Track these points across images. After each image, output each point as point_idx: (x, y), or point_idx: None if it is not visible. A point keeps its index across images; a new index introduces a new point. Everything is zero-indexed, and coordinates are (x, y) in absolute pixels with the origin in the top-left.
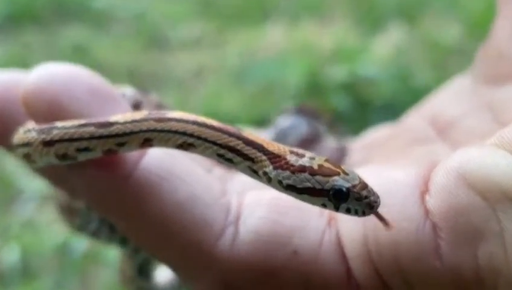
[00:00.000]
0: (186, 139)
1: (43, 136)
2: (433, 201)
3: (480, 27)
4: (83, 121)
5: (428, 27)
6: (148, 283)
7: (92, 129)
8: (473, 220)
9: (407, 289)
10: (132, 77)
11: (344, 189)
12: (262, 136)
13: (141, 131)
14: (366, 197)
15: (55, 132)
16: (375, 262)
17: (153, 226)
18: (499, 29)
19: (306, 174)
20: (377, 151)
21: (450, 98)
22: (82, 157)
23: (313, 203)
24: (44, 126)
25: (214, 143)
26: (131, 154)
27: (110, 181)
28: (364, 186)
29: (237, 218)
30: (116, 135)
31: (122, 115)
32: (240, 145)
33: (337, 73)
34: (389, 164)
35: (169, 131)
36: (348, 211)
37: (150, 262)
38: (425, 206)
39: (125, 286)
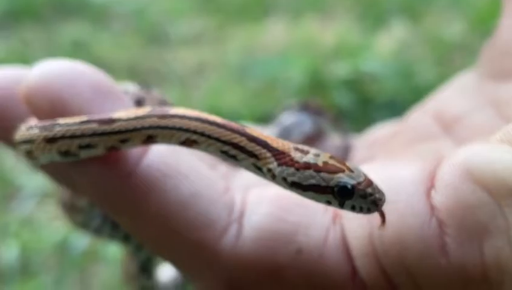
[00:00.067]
0: (190, 136)
1: (45, 133)
2: (438, 197)
3: (483, 23)
4: (85, 118)
5: (431, 23)
6: (150, 281)
7: (94, 126)
8: (479, 216)
9: (414, 288)
10: (132, 74)
11: (349, 186)
12: (266, 133)
13: (144, 128)
14: (371, 194)
15: (57, 128)
16: (381, 260)
17: (156, 223)
18: (505, 27)
19: (311, 171)
20: (381, 148)
21: (455, 95)
22: (84, 154)
23: (318, 201)
24: (47, 123)
25: (218, 140)
26: (134, 151)
27: (113, 178)
28: (370, 183)
29: (241, 215)
30: (119, 132)
31: (125, 112)
32: (244, 142)
33: (340, 69)
34: (394, 161)
35: (172, 128)
36: (352, 209)
37: (152, 260)
38: (431, 202)
39: (128, 284)
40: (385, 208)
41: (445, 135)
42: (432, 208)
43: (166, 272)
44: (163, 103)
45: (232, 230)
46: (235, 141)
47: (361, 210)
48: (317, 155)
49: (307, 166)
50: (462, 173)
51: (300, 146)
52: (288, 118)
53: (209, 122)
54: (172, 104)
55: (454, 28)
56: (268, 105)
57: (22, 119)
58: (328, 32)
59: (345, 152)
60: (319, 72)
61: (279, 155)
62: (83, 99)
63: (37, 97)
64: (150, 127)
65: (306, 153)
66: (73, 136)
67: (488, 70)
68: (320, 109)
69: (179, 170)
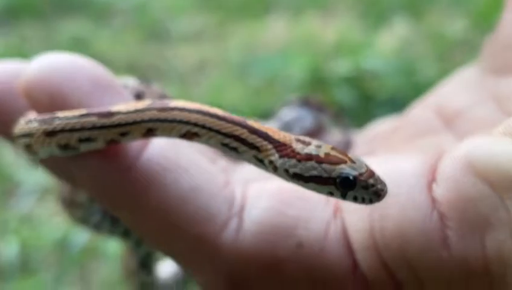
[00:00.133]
0: (190, 129)
1: (44, 126)
2: (440, 190)
3: (485, 20)
4: (84, 111)
5: (433, 20)
6: (150, 277)
7: (94, 119)
8: (481, 209)
9: (415, 282)
10: (132, 71)
11: (351, 177)
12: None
13: (144, 121)
14: (373, 185)
15: (56, 122)
16: (382, 254)
17: (156, 217)
18: (506, 21)
19: (313, 163)
20: (381, 143)
21: (456, 89)
22: (84, 147)
23: (320, 192)
24: (46, 116)
25: (219, 132)
26: (134, 145)
27: (113, 172)
28: (372, 174)
29: (241, 209)
30: (119, 125)
31: (124, 105)
32: (245, 134)
33: (341, 67)
34: (395, 155)
35: (172, 120)
36: (355, 199)
37: (152, 256)
38: (432, 195)
39: (127, 280)
40: (386, 201)
41: (447, 129)
42: (433, 201)
43: (166, 268)
44: (163, 97)
45: (233, 224)
46: (236, 133)
47: (363, 201)
48: (318, 146)
49: (309, 157)
50: (463, 166)
51: (302, 137)
52: (288, 114)
53: (210, 114)
54: (172, 99)
55: (456, 25)
56: (269, 102)
57: (21, 113)
58: (329, 29)
59: (345, 148)
60: (320, 69)
61: (281, 147)
62: (83, 92)
63: (36, 91)
64: (150, 120)
65: (308, 144)
66: (72, 130)
67: (490, 65)
68: (320, 104)
69: (179, 164)
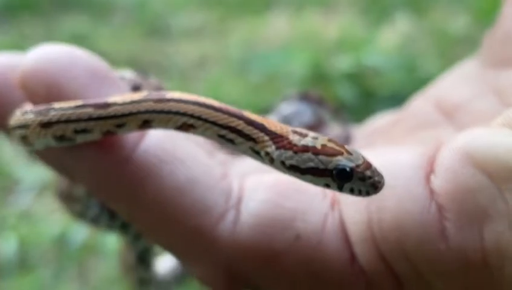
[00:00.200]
0: (186, 120)
1: (40, 117)
2: (438, 182)
3: (487, 16)
4: (80, 102)
5: (435, 17)
6: (148, 273)
7: (90, 110)
8: (479, 200)
9: (413, 274)
10: (133, 66)
11: (348, 169)
12: None
13: (140, 112)
14: (370, 177)
15: (52, 113)
16: (380, 246)
17: (152, 209)
18: (506, 15)
19: (309, 154)
20: (381, 136)
21: (456, 82)
22: (80, 139)
23: (316, 184)
24: (42, 108)
25: (215, 124)
26: (130, 137)
27: (109, 164)
28: (368, 166)
29: (238, 201)
30: (115, 116)
31: (120, 96)
32: (242, 126)
33: (343, 63)
34: (393, 147)
35: (168, 112)
36: (351, 191)
37: (150, 250)
38: (431, 187)
39: (126, 275)
40: (384, 193)
41: (447, 122)
42: (432, 192)
43: (165, 263)
44: (160, 89)
45: (230, 216)
46: (233, 124)
47: (360, 193)
48: (315, 138)
49: (305, 149)
50: (462, 157)
51: (299, 129)
52: (287, 108)
53: (206, 106)
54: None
55: (457, 21)
56: (269, 99)
57: (17, 105)
58: (331, 25)
59: (345, 142)
60: (322, 65)
61: (277, 138)
62: (79, 84)
63: (33, 82)
64: (146, 112)
65: (304, 136)
66: (68, 121)
67: (490, 58)
68: (320, 99)
69: (175, 156)
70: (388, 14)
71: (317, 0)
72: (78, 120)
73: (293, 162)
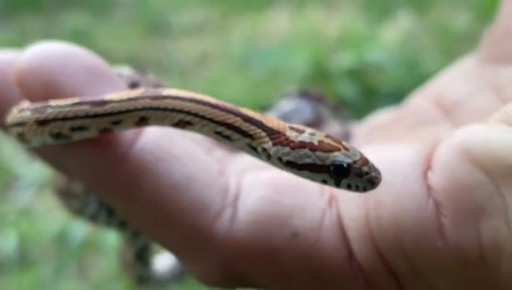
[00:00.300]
0: (183, 117)
1: (37, 115)
2: (435, 178)
3: (488, 13)
4: (77, 100)
5: (436, 13)
6: (147, 270)
7: (86, 108)
8: (476, 197)
9: (411, 271)
10: (134, 64)
11: (345, 164)
12: None
13: (137, 109)
14: (367, 173)
15: (49, 110)
16: (377, 243)
17: (149, 207)
18: (505, 12)
19: (306, 150)
20: (380, 133)
21: (455, 79)
22: (77, 136)
23: (313, 180)
24: (39, 105)
25: (212, 120)
26: (127, 134)
27: (106, 161)
28: (366, 162)
29: (235, 199)
30: (111, 114)
31: (117, 94)
32: (239, 122)
33: (344, 60)
34: (391, 144)
35: (165, 109)
36: (349, 187)
37: (148, 248)
38: (428, 183)
39: (124, 272)
40: (381, 189)
41: (446, 119)
42: (429, 189)
43: (163, 261)
44: (158, 86)
45: (227, 214)
46: (230, 121)
47: (357, 189)
48: (312, 134)
49: (302, 145)
50: (459, 154)
51: (296, 125)
52: (287, 105)
53: (203, 102)
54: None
55: (459, 18)
56: (270, 95)
57: (15, 103)
58: (332, 22)
59: (344, 139)
60: (323, 62)
61: (274, 135)
62: (76, 81)
63: (30, 79)
64: (143, 109)
65: (301, 132)
66: (65, 118)
67: (489, 55)
68: (320, 96)
69: (172, 153)
70: (389, 10)
71: None
72: (74, 118)
73: (290, 158)
